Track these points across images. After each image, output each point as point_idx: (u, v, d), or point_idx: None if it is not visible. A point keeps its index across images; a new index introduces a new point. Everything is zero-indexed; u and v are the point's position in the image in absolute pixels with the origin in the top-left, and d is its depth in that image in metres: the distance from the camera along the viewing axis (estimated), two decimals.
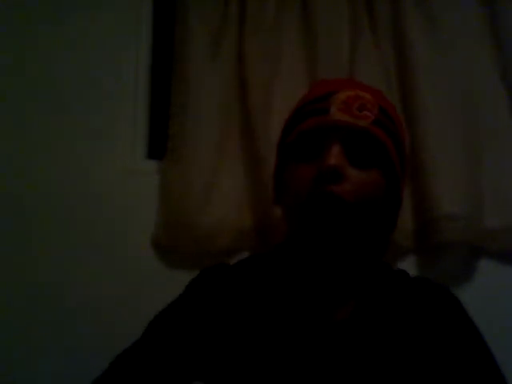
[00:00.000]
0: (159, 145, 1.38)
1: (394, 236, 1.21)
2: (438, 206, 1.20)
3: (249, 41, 1.33)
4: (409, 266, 1.24)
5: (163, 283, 1.23)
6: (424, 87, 1.28)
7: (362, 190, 0.70)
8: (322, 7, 1.34)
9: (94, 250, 1.27)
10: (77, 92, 1.35)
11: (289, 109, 0.86)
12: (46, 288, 1.25)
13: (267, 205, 1.16)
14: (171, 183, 1.27)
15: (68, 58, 1.37)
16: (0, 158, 1.31)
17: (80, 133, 1.33)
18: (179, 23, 1.37)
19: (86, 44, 1.38)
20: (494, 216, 1.24)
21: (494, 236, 1.24)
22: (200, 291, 0.80)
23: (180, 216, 1.24)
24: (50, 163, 1.32)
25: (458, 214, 1.19)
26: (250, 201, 1.27)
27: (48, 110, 1.34)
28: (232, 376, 0.69)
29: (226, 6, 1.36)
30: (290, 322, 0.72)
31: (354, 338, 0.69)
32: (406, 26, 1.32)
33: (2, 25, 1.37)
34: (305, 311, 0.73)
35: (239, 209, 1.26)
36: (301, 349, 0.69)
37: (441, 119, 1.26)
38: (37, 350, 1.22)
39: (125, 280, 1.25)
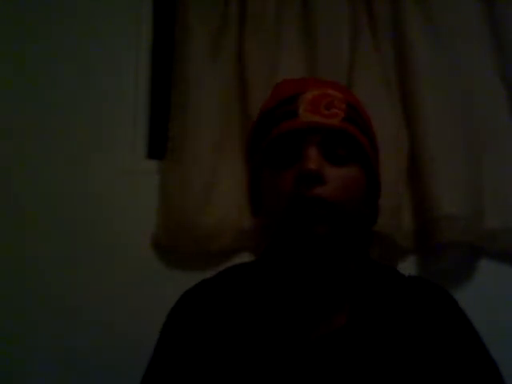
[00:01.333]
0: (159, 145, 1.38)
1: (394, 236, 1.21)
2: (438, 207, 1.20)
3: (249, 41, 1.33)
4: (409, 266, 1.24)
5: (163, 283, 1.24)
6: (424, 87, 1.28)
7: (344, 188, 0.69)
8: (322, 7, 1.34)
9: (94, 250, 1.27)
10: (77, 92, 1.35)
11: None
12: (45, 288, 1.25)
13: None
14: (171, 183, 1.27)
15: (68, 58, 1.37)
16: (0, 158, 1.31)
17: (80, 133, 1.33)
18: (179, 23, 1.37)
19: (86, 44, 1.38)
20: (493, 216, 1.24)
21: (493, 236, 1.24)
22: (182, 324, 0.76)
23: (180, 216, 1.24)
24: (50, 163, 1.32)
25: (458, 215, 1.19)
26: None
27: (48, 110, 1.34)
28: None
29: (226, 6, 1.36)
30: (285, 335, 0.70)
31: (354, 344, 0.68)
32: (406, 26, 1.32)
33: (2, 25, 1.37)
34: (300, 322, 0.71)
35: (239, 209, 1.26)
36: (302, 362, 0.68)
37: (441, 119, 1.26)
38: (37, 350, 1.22)
39: (125, 280, 1.25)
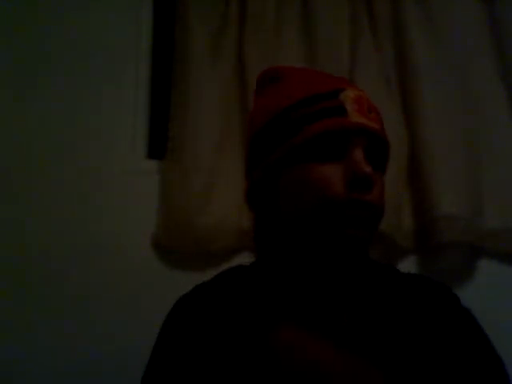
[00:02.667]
0: (159, 145, 1.38)
1: (394, 236, 1.21)
2: (438, 206, 1.20)
3: (249, 41, 1.33)
4: (409, 265, 1.24)
5: (163, 283, 1.24)
6: (424, 87, 1.28)
7: (382, 194, 0.70)
8: (322, 7, 1.34)
9: (94, 250, 1.27)
10: (77, 92, 1.35)
11: None
12: (45, 288, 1.25)
13: None
14: (171, 183, 1.28)
15: (68, 58, 1.37)
16: (0, 158, 1.31)
17: (80, 133, 1.33)
18: (179, 23, 1.37)
19: (86, 44, 1.38)
20: (493, 216, 1.24)
21: (493, 236, 1.24)
22: (179, 329, 0.74)
23: (180, 216, 1.25)
24: (50, 163, 1.32)
25: (458, 214, 1.19)
26: None
27: (48, 110, 1.34)
28: None
29: (226, 6, 1.37)
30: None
31: (360, 339, 0.68)
32: (406, 26, 1.33)
33: (3, 26, 1.37)
34: (309, 318, 0.71)
35: (239, 209, 1.26)
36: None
37: (441, 119, 1.26)
38: (36, 350, 1.22)
39: (125, 280, 1.25)
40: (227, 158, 1.30)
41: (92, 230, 1.28)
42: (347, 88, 0.72)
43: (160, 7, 1.48)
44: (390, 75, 1.33)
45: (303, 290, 0.72)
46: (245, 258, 1.22)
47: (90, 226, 1.28)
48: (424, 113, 1.26)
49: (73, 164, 1.32)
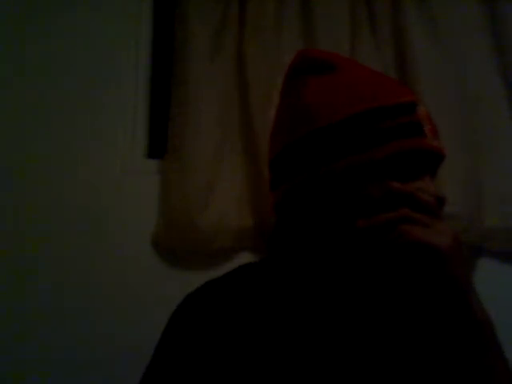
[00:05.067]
0: (159, 144, 1.38)
1: None
2: None
3: (249, 41, 1.33)
4: None
5: (163, 283, 1.24)
6: (424, 87, 1.28)
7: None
8: (322, 7, 1.34)
9: (93, 250, 1.27)
10: (77, 92, 1.35)
11: None
12: (45, 288, 1.25)
13: (267, 204, 1.16)
14: (171, 183, 1.27)
15: (68, 58, 1.37)
16: (0, 158, 1.31)
17: (80, 133, 1.33)
18: (179, 23, 1.37)
19: (86, 44, 1.38)
20: (494, 215, 1.24)
21: (493, 235, 1.24)
22: (187, 326, 0.70)
23: (180, 216, 1.25)
24: (50, 163, 1.32)
25: (458, 214, 1.19)
26: (249, 201, 1.27)
27: (48, 110, 1.34)
28: None
29: (226, 6, 1.36)
30: (298, 333, 0.69)
31: (368, 341, 0.67)
32: (406, 26, 1.32)
33: (2, 25, 1.37)
34: (313, 320, 0.70)
35: (239, 208, 1.26)
36: (323, 354, 0.65)
37: (441, 119, 1.26)
38: (36, 350, 1.22)
39: (125, 280, 1.25)
40: (227, 158, 1.30)
41: (92, 230, 1.28)
42: (417, 101, 0.66)
43: (160, 7, 1.48)
44: (389, 75, 1.33)
45: (315, 295, 0.70)
46: (245, 258, 1.23)
47: (90, 225, 1.28)
48: None
49: (73, 164, 1.32)
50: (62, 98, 1.35)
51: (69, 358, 1.21)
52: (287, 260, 0.75)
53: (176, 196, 1.26)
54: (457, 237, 0.60)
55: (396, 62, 1.34)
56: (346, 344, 0.67)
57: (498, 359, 0.62)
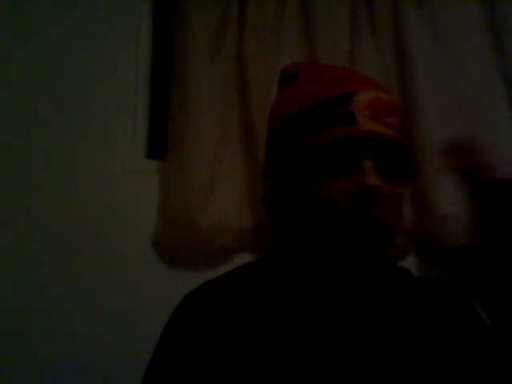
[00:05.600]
0: (159, 145, 1.38)
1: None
2: (438, 207, 1.20)
3: (249, 41, 1.33)
4: (409, 265, 1.23)
5: (163, 283, 1.24)
6: (424, 87, 1.28)
7: (397, 207, 0.66)
8: (322, 7, 1.34)
9: (93, 250, 1.27)
10: (77, 92, 1.36)
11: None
12: (45, 288, 1.25)
13: None
14: (171, 183, 1.28)
15: (68, 58, 1.37)
16: (0, 158, 1.31)
17: (80, 133, 1.33)
18: (179, 23, 1.37)
19: (86, 44, 1.38)
20: None
21: None
22: (187, 325, 0.71)
23: (180, 216, 1.25)
24: (50, 163, 1.32)
25: (458, 215, 1.19)
26: (249, 201, 1.27)
27: (48, 110, 1.34)
28: None
29: (226, 5, 1.36)
30: (301, 329, 0.69)
31: (369, 340, 0.68)
32: (406, 26, 1.32)
33: (3, 25, 1.37)
34: (314, 318, 0.70)
35: (239, 208, 1.26)
36: (317, 354, 0.65)
37: (440, 119, 1.26)
38: (36, 350, 1.22)
39: (125, 280, 1.25)
40: (227, 158, 1.30)
41: (92, 230, 1.28)
42: (359, 89, 0.67)
43: (160, 7, 1.48)
44: (389, 75, 1.33)
45: (313, 292, 0.71)
46: (245, 258, 1.23)
47: (90, 225, 1.28)
48: (424, 112, 1.26)
49: (73, 164, 1.32)
50: (61, 97, 1.35)
51: (69, 357, 1.21)
52: (281, 258, 0.76)
53: (176, 196, 1.26)
54: None
55: (396, 62, 1.34)
56: (344, 341, 0.67)
57: None
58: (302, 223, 0.70)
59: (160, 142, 1.37)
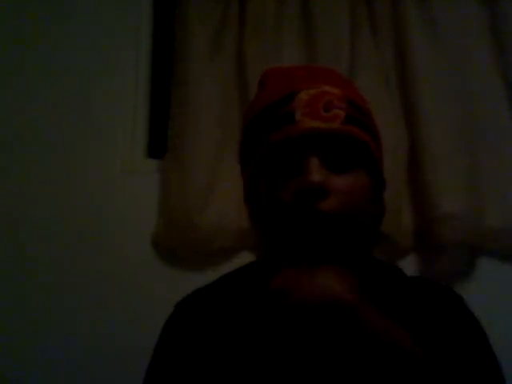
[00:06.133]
0: (160, 144, 1.38)
1: (394, 236, 1.21)
2: (438, 206, 1.20)
3: (249, 41, 1.34)
4: (409, 265, 1.24)
5: (163, 283, 1.23)
6: (424, 87, 1.28)
7: (349, 197, 0.65)
8: (322, 7, 1.34)
9: (93, 250, 1.27)
10: (77, 92, 1.36)
11: None
12: (46, 288, 1.25)
13: None
14: (171, 183, 1.28)
15: (68, 58, 1.37)
16: (0, 158, 1.31)
17: (80, 133, 1.33)
18: (179, 23, 1.37)
19: (86, 44, 1.38)
20: (494, 216, 1.24)
21: (494, 236, 1.24)
22: (181, 331, 0.72)
23: (180, 216, 1.24)
24: (50, 163, 1.32)
25: (458, 214, 1.19)
26: None
27: (48, 110, 1.34)
28: None
29: (226, 5, 1.37)
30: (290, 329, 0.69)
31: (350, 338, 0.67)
32: (406, 26, 1.32)
33: (3, 25, 1.37)
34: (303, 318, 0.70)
35: (239, 208, 1.26)
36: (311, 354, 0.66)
37: (441, 119, 1.26)
38: (36, 349, 1.22)
39: (125, 280, 1.25)
40: (227, 157, 1.29)
41: (92, 230, 1.28)
42: (302, 88, 0.68)
43: (160, 7, 1.48)
44: (389, 75, 1.33)
45: None
46: (245, 258, 1.23)
47: (90, 225, 1.29)
48: (424, 112, 1.26)
49: (73, 163, 1.32)
50: (62, 97, 1.35)
51: (69, 357, 1.21)
52: (267, 262, 0.76)
53: (176, 196, 1.26)
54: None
55: (396, 62, 1.34)
56: (326, 342, 0.67)
57: None
58: (266, 227, 0.71)
59: (160, 141, 1.37)
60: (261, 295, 0.71)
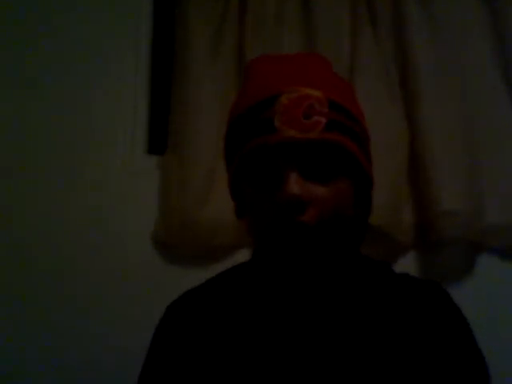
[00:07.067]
0: (160, 140, 1.38)
1: (395, 232, 1.21)
2: (438, 203, 1.20)
3: (249, 40, 1.34)
4: (408, 262, 1.24)
5: (163, 280, 1.23)
6: (424, 86, 1.28)
7: (330, 206, 0.64)
8: (323, 6, 1.35)
9: (93, 249, 1.27)
10: (77, 91, 1.36)
11: None
12: (45, 288, 1.25)
13: None
14: (171, 179, 1.28)
15: (68, 58, 1.37)
16: (0, 158, 1.31)
17: (80, 131, 1.34)
18: (179, 23, 1.38)
19: (86, 44, 1.38)
20: (494, 212, 1.24)
21: (494, 232, 1.23)
22: (172, 332, 0.73)
23: (180, 212, 1.24)
24: (50, 162, 1.32)
25: (458, 211, 1.19)
26: None
27: (48, 109, 1.35)
28: None
29: (226, 5, 1.37)
30: (279, 331, 0.68)
31: (345, 336, 0.67)
32: (407, 25, 1.32)
33: (3, 25, 1.37)
34: (291, 318, 0.68)
35: None
36: (296, 355, 0.65)
37: (441, 117, 1.27)
38: (36, 349, 1.22)
39: (125, 279, 1.25)
40: None
41: (92, 228, 1.28)
42: (284, 91, 0.65)
43: (160, 7, 1.48)
44: (390, 74, 1.33)
45: (283, 296, 0.71)
46: (245, 254, 1.23)
47: (89, 223, 1.29)
48: (424, 110, 1.27)
49: (73, 162, 1.32)
50: (62, 96, 1.35)
51: (68, 357, 1.21)
52: (255, 263, 0.77)
53: (176, 193, 1.26)
54: None
55: (396, 61, 1.34)
56: (313, 342, 0.67)
57: None
58: (252, 229, 0.70)
59: (160, 139, 1.37)
60: (250, 296, 0.72)
